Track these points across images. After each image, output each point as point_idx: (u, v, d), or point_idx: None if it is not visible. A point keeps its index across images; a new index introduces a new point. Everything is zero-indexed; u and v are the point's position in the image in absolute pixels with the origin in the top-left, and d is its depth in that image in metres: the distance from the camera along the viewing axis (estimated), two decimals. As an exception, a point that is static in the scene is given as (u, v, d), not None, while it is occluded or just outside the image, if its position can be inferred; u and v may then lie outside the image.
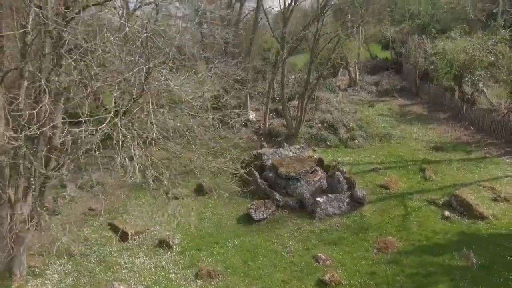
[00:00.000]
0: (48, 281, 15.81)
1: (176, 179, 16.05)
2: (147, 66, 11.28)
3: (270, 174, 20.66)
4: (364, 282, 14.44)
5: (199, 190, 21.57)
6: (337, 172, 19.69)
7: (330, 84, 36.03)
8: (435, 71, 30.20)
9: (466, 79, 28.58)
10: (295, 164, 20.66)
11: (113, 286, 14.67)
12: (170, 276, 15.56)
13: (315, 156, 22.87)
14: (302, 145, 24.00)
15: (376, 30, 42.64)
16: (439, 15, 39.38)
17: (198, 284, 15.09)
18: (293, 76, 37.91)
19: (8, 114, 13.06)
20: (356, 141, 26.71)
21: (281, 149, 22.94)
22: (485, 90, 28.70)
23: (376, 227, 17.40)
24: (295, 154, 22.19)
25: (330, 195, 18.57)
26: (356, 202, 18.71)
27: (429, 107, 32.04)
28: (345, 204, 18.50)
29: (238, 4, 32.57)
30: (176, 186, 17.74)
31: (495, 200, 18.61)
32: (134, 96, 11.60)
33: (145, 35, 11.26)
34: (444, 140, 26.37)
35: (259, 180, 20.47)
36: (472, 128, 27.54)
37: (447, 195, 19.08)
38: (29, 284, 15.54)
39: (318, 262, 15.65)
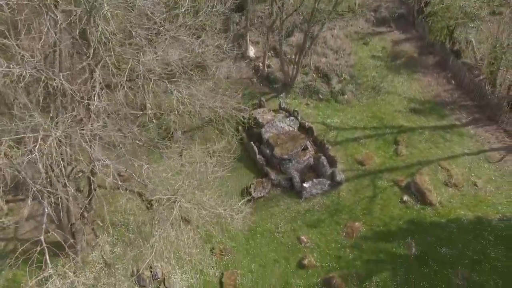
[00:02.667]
0: (102, 251, 21.59)
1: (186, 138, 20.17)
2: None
3: (267, 151, 24.74)
4: (331, 265, 20.19)
5: (208, 153, 25.85)
6: (322, 157, 23.77)
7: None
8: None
9: (459, 31, 29.86)
10: (289, 143, 24.55)
11: (153, 264, 20.44)
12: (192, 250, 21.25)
13: (306, 125, 26.50)
14: (297, 116, 27.03)
15: None
16: None
17: (214, 258, 20.88)
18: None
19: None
20: (345, 96, 29.69)
21: (276, 121, 26.24)
22: (474, 43, 30.21)
23: (348, 209, 22.44)
24: (289, 128, 25.71)
25: (314, 180, 23.13)
26: (336, 183, 23.34)
27: (421, 46, 33.62)
28: (327, 186, 23.19)
29: None
30: (189, 148, 22.13)
31: (446, 185, 23.22)
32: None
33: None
34: (424, 97, 29.33)
35: (258, 156, 24.69)
36: (453, 82, 30.16)
37: (410, 176, 23.60)
38: (89, 256, 21.36)
39: (301, 244, 21.17)
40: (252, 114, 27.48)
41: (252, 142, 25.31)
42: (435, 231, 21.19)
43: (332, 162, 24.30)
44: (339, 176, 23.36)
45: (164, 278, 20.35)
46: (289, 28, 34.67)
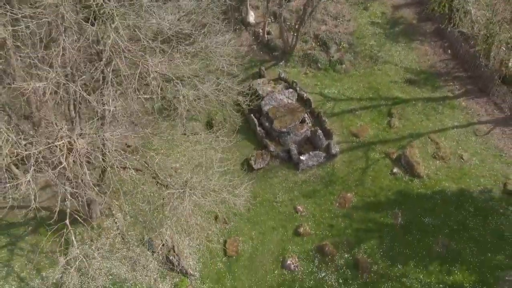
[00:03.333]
0: (116, 219, 23.56)
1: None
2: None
3: (267, 124, 26.01)
4: (324, 233, 22.23)
5: (210, 125, 27.09)
6: (318, 131, 25.08)
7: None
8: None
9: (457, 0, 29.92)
10: (287, 116, 25.77)
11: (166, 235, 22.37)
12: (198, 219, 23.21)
13: (304, 96, 27.53)
14: (296, 87, 27.94)
15: None
16: None
17: (218, 226, 22.87)
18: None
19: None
20: (343, 65, 30.41)
21: (276, 93, 27.20)
22: (472, 12, 30.39)
23: (342, 181, 24.15)
24: (288, 100, 26.75)
25: (311, 152, 24.60)
26: (331, 155, 24.85)
27: (420, 12, 33.68)
28: (322, 158, 24.73)
29: None
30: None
31: (434, 157, 24.76)
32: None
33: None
34: (420, 67, 30.07)
35: (258, 129, 26.00)
36: (449, 52, 30.73)
37: (402, 149, 25.07)
38: (104, 223, 23.34)
39: (297, 213, 23.09)
40: (252, 85, 28.48)
41: (252, 115, 26.52)
42: (421, 202, 23.05)
43: (328, 134, 25.67)
44: (334, 149, 24.83)
45: (173, 245, 22.50)
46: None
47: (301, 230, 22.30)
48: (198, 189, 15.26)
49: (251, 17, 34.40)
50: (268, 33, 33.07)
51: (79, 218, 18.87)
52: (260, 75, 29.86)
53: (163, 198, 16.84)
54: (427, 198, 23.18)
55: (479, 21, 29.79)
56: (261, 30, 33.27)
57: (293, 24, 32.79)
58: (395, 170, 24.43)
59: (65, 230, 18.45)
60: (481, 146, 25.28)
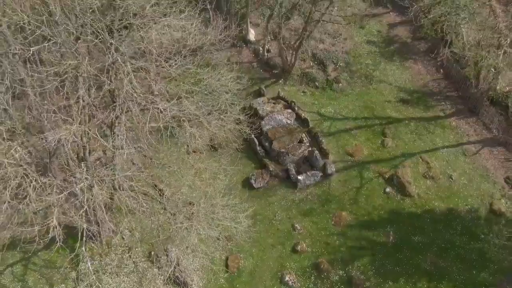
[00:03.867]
0: (124, 236, 24.93)
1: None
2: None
3: (266, 144, 27.35)
4: (321, 251, 23.62)
5: (212, 146, 28.42)
6: (315, 151, 26.42)
7: None
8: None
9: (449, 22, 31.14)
10: (286, 137, 27.14)
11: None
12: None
13: (302, 116, 28.86)
14: (294, 107, 29.28)
15: None
16: None
17: (220, 244, 24.22)
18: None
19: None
20: (340, 84, 31.71)
21: (275, 114, 28.51)
22: (464, 34, 31.60)
23: (337, 200, 25.51)
24: (287, 121, 28.08)
25: (308, 173, 25.95)
26: (327, 175, 26.21)
27: (415, 30, 34.92)
28: (319, 177, 26.10)
29: None
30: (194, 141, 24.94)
31: (425, 177, 26.12)
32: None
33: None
34: (413, 86, 31.40)
35: (258, 148, 27.34)
36: (442, 71, 32.03)
37: (394, 168, 26.43)
38: (113, 240, 24.71)
39: (295, 231, 24.46)
40: (253, 104, 29.77)
41: (252, 135, 27.82)
42: (411, 220, 24.45)
43: (324, 154, 27.00)
44: (330, 169, 26.18)
45: (178, 261, 23.90)
46: (288, 10, 35.77)
47: (299, 247, 23.69)
48: (204, 222, 16.62)
49: (251, 35, 35.70)
50: (268, 51, 34.34)
51: (91, 235, 20.39)
52: (260, 94, 31.18)
53: (170, 229, 18.23)
54: (417, 217, 24.58)
55: (470, 42, 31.07)
56: (261, 48, 34.54)
57: (292, 43, 34.05)
58: (387, 189, 25.80)
59: (77, 246, 19.98)
60: (470, 166, 26.67)
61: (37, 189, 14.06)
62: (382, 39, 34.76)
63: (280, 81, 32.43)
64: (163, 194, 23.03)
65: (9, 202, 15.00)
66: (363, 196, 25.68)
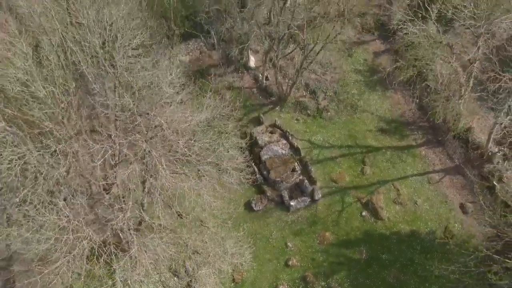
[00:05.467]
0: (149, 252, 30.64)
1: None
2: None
3: (265, 172, 32.63)
4: (307, 265, 29.48)
5: (219, 169, 33.65)
6: (305, 181, 31.79)
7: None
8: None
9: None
10: (281, 167, 32.40)
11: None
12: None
13: (295, 145, 33.98)
14: (288, 136, 34.34)
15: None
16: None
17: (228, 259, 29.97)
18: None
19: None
20: (329, 113, 36.56)
21: (272, 145, 33.59)
22: (438, 69, 36.04)
23: (322, 221, 31.12)
24: (282, 151, 33.22)
25: (299, 198, 31.44)
26: (314, 200, 31.70)
27: (396, 60, 39.27)
28: (308, 202, 31.62)
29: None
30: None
31: (395, 202, 31.62)
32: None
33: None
34: (392, 115, 36.30)
35: (258, 175, 32.64)
36: (417, 101, 36.81)
37: (370, 194, 31.87)
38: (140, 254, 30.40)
39: (287, 248, 30.21)
40: (253, 133, 34.80)
41: (253, 164, 33.04)
42: (381, 241, 30.21)
43: (313, 181, 32.40)
44: (317, 195, 31.69)
45: (194, 273, 29.79)
46: (285, 40, 39.88)
47: (290, 262, 29.55)
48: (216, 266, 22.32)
49: (252, 62, 40.07)
50: (267, 78, 38.88)
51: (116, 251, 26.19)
52: (259, 122, 36.09)
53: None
54: (386, 238, 30.34)
55: (443, 76, 35.73)
56: (260, 75, 39.06)
57: (288, 72, 38.53)
58: (364, 213, 31.39)
59: (113, 258, 25.78)
60: (432, 193, 32.17)
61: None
62: (367, 67, 39.24)
63: (277, 108, 37.25)
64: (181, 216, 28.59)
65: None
66: (343, 218, 31.30)
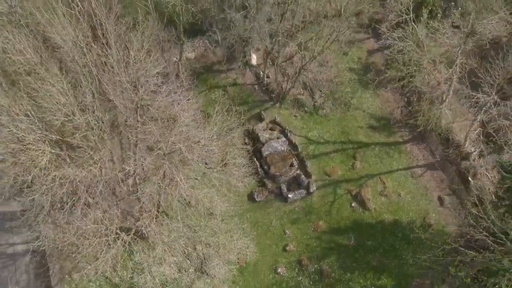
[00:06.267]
0: (164, 236, 35.00)
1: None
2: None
3: (266, 167, 36.44)
4: (302, 250, 33.84)
5: (224, 164, 37.46)
6: (302, 176, 35.64)
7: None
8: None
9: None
10: (280, 163, 36.16)
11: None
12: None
13: (293, 141, 37.60)
14: (287, 133, 37.89)
15: None
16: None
17: (233, 244, 34.32)
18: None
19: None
20: (324, 110, 39.93)
21: (273, 142, 37.20)
22: (426, 70, 39.06)
23: (316, 211, 35.23)
24: (281, 148, 36.86)
25: (295, 191, 35.40)
26: (310, 192, 35.68)
27: (388, 58, 42.14)
28: (304, 194, 35.63)
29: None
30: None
31: (381, 195, 35.60)
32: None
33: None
34: (382, 113, 39.71)
35: (259, 170, 36.49)
36: (406, 99, 40.05)
37: (359, 187, 35.82)
38: (156, 238, 34.76)
39: (285, 235, 34.48)
40: (255, 130, 38.36)
41: (255, 158, 36.79)
42: (367, 229, 34.46)
43: (308, 175, 36.30)
44: (312, 188, 35.69)
45: (204, 256, 34.20)
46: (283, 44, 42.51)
47: (288, 247, 33.92)
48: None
49: (253, 60, 43.01)
50: (267, 76, 41.94)
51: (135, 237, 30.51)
52: (260, 117, 39.53)
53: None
54: (372, 226, 34.57)
55: (428, 84, 38.86)
56: (261, 72, 42.10)
57: (287, 71, 41.53)
58: (353, 204, 35.47)
59: (131, 244, 30.17)
60: (414, 186, 36.15)
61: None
62: (361, 66, 42.25)
63: (277, 105, 40.60)
64: (190, 204, 32.71)
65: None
66: (335, 209, 35.44)
